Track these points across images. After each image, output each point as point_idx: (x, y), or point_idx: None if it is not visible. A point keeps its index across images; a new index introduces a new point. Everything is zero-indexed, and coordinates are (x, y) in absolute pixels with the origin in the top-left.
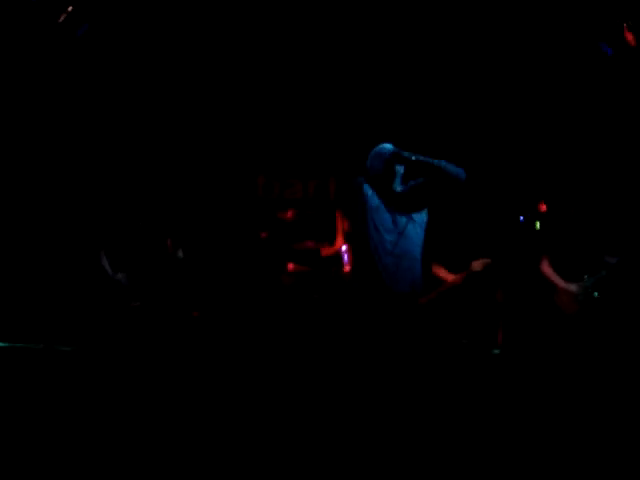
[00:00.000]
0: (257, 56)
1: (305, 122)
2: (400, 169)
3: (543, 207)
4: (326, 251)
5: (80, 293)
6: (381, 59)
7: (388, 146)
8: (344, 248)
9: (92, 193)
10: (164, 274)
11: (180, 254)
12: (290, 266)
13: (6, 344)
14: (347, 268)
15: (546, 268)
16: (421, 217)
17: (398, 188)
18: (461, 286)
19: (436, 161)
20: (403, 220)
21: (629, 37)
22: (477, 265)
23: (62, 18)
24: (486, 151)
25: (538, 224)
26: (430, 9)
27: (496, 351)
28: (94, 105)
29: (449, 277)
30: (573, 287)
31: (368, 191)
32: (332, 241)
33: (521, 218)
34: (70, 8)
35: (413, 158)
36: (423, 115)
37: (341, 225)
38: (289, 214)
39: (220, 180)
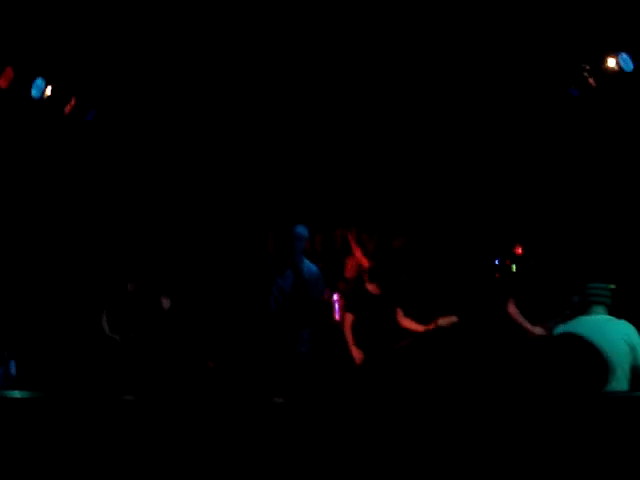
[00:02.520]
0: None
1: (312, 176)
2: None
3: (519, 250)
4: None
5: (80, 348)
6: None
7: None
8: (335, 297)
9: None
10: (156, 333)
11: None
12: None
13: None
14: (337, 317)
15: (512, 310)
16: None
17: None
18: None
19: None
20: None
21: (590, 80)
22: (443, 321)
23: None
24: (461, 196)
25: (514, 266)
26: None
27: None
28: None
29: (418, 328)
30: (538, 329)
31: None
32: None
33: (496, 261)
34: (74, 101)
35: None
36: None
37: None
38: None
39: (227, 234)
